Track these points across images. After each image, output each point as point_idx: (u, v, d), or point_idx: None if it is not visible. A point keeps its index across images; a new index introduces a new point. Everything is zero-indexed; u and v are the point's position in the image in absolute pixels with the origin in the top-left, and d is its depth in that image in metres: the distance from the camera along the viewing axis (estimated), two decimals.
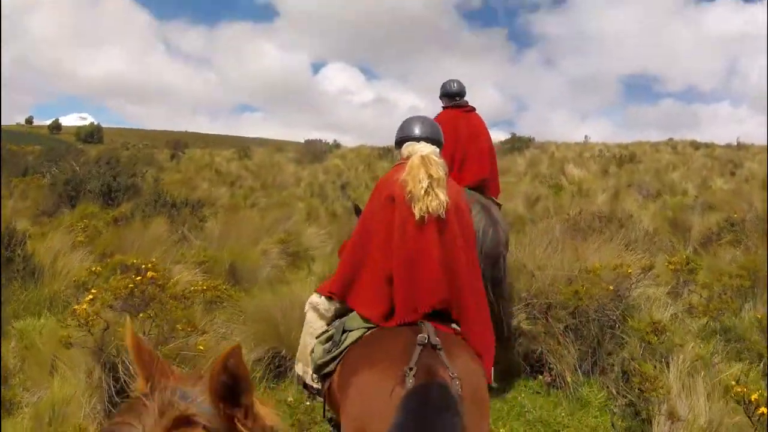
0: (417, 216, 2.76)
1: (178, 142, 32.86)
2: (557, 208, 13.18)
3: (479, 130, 5.54)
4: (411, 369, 2.29)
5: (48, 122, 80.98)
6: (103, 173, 14.07)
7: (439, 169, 2.89)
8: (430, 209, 2.75)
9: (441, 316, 2.80)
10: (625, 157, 23.61)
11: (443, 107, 5.67)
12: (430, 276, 2.77)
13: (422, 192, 2.76)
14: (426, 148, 3.04)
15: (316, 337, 3.03)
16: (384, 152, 25.05)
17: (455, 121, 5.31)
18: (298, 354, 3.28)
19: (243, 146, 32.99)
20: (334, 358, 2.81)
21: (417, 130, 3.16)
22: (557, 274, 5.71)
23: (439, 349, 2.43)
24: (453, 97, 5.59)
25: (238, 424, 1.17)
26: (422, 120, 3.26)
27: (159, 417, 1.10)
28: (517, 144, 28.79)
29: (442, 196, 2.79)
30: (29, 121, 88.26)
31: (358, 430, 2.39)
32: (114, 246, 8.58)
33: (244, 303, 6.33)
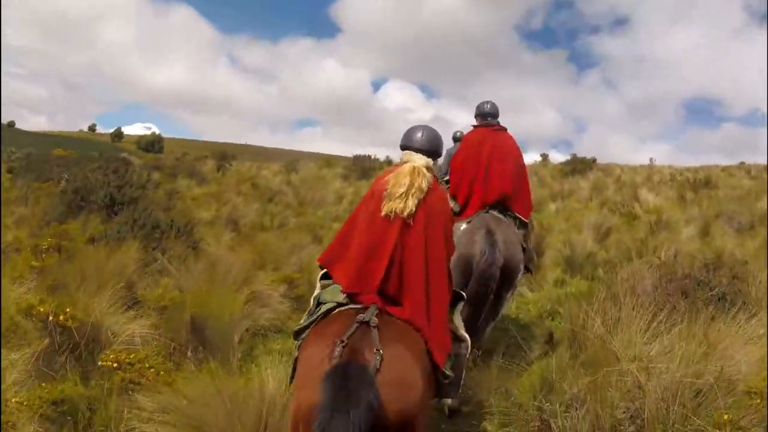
0: (383, 212, 3.16)
1: (225, 154, 31.25)
2: (635, 244, 10.83)
3: (506, 148, 5.67)
4: (342, 342, 2.62)
5: (110, 130, 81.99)
6: (106, 183, 12.18)
7: (423, 180, 3.24)
8: (395, 210, 3.14)
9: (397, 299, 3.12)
10: (700, 182, 21.13)
11: (474, 126, 5.92)
12: (379, 264, 3.10)
13: (396, 195, 3.17)
14: (420, 160, 3.38)
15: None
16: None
17: (483, 139, 5.63)
18: None
19: (293, 160, 31.15)
20: (308, 326, 3.15)
21: (416, 142, 3.46)
22: (680, 382, 3.36)
23: (374, 327, 2.75)
24: (485, 116, 5.82)
25: None
26: (423, 130, 3.51)
27: None
28: (579, 166, 26.87)
29: (411, 204, 3.15)
30: (92, 128, 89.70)
31: (297, 390, 2.79)
32: (67, 276, 6.51)
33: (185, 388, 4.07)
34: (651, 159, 33.26)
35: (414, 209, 3.15)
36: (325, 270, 3.45)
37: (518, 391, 4.28)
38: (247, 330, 6.44)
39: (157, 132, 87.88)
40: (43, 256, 7.65)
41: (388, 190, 3.20)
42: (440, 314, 3.18)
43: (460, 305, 3.66)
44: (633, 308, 4.26)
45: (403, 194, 3.15)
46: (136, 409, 3.92)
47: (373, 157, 26.35)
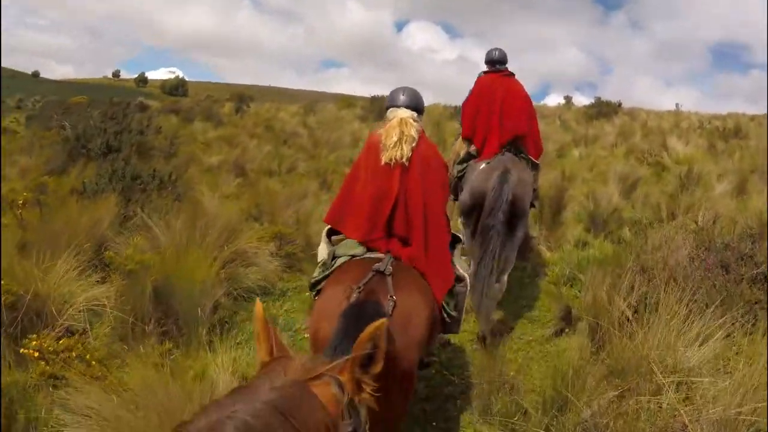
0: (383, 161, 3.36)
1: (243, 96, 30.31)
2: (665, 199, 9.91)
3: (516, 92, 5.86)
4: (358, 288, 2.80)
5: (134, 76, 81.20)
6: (102, 130, 11.41)
7: (411, 129, 3.47)
8: (395, 157, 3.35)
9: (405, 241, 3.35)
10: (729, 131, 19.97)
11: (484, 72, 6.09)
12: (387, 206, 3.33)
13: (391, 144, 3.38)
14: (405, 113, 3.58)
15: (319, 262, 3.53)
16: (456, 111, 21.68)
17: (493, 84, 5.84)
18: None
19: (312, 101, 30.10)
20: (324, 278, 3.27)
21: (400, 100, 3.66)
22: (735, 420, 2.66)
23: (389, 275, 2.93)
24: (494, 63, 6.01)
25: (365, 386, 1.68)
26: (404, 90, 3.73)
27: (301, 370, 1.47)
28: (604, 109, 25.40)
29: (406, 150, 3.38)
30: (116, 74, 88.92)
31: (313, 326, 2.93)
32: (37, 235, 5.83)
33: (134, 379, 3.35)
34: (677, 104, 31.46)
35: (410, 154, 3.38)
36: (329, 227, 3.63)
37: (525, 395, 3.49)
38: (228, 294, 5.71)
39: (182, 76, 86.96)
40: (20, 212, 6.98)
41: (383, 142, 3.42)
42: (440, 252, 3.37)
43: (459, 246, 3.80)
44: (666, 288, 3.41)
45: (397, 142, 3.38)
46: (61, 408, 3.22)
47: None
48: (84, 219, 6.21)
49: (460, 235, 3.95)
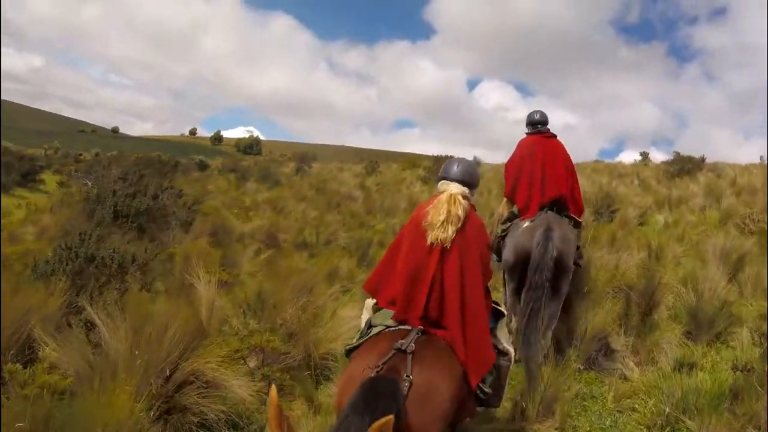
0: (428, 241, 3.29)
1: (305, 155, 29.27)
2: None
3: (557, 153, 5.98)
4: (378, 366, 2.78)
5: (211, 134, 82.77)
6: (112, 193, 10.07)
7: (459, 208, 3.36)
8: (438, 239, 3.26)
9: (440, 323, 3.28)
10: None
11: (526, 133, 6.21)
12: (423, 289, 3.25)
13: (437, 224, 3.28)
14: (456, 189, 3.48)
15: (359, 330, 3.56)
16: None
17: (534, 146, 5.97)
18: None
19: (373, 161, 28.72)
20: (358, 346, 3.29)
21: (453, 173, 3.57)
22: None
23: (409, 353, 2.88)
24: (535, 125, 6.12)
25: None
26: (459, 162, 3.66)
27: None
28: (687, 165, 22.62)
29: (450, 231, 3.28)
30: (192, 132, 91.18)
31: (335, 399, 3.00)
32: None
33: None
34: (761, 157, 28.23)
35: (453, 236, 3.28)
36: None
37: None
38: None
39: (258, 135, 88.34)
40: None
41: (429, 220, 3.33)
42: (478, 335, 3.23)
43: (503, 320, 3.69)
44: None
45: (443, 222, 3.29)
46: None
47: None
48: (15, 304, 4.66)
49: (502, 308, 3.79)
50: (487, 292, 3.52)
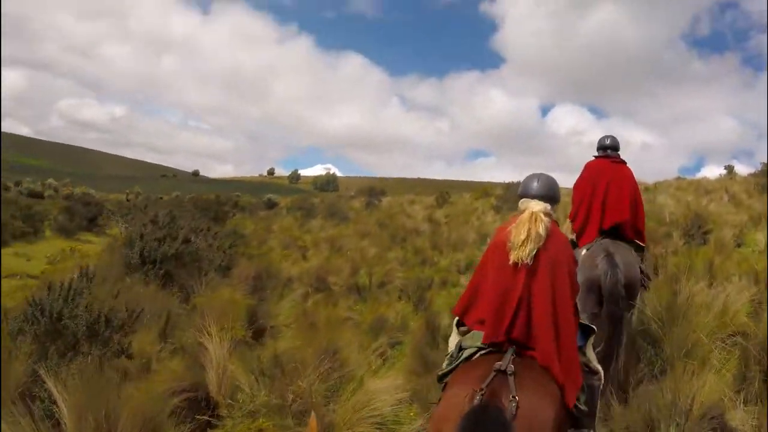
0: (510, 261, 3.13)
1: (374, 190, 28.22)
2: None
3: (623, 179, 5.77)
4: (481, 390, 2.70)
5: (288, 173, 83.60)
6: (141, 236, 9.14)
7: (540, 226, 3.18)
8: (521, 257, 3.10)
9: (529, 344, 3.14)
10: None
11: (594, 156, 6.02)
12: (509, 313, 3.11)
13: (518, 243, 3.13)
14: (537, 206, 3.31)
15: (447, 355, 3.44)
16: None
17: (601, 170, 5.79)
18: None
19: (443, 191, 27.38)
20: (450, 371, 3.22)
21: (533, 189, 3.43)
22: None
23: (510, 375, 2.81)
24: (606, 149, 5.96)
25: None
26: (538, 178, 3.48)
27: None
28: None
29: (530, 248, 3.10)
30: (270, 172, 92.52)
31: (435, 424, 2.85)
32: None
33: None
34: None
35: (534, 253, 3.12)
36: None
37: None
38: None
39: (335, 172, 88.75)
40: None
41: (512, 240, 3.18)
42: (570, 354, 3.12)
43: (592, 338, 3.55)
44: None
45: (524, 241, 3.14)
46: None
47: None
48: None
49: (592, 326, 3.64)
50: (576, 309, 3.35)
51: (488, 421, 2.48)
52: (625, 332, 5.12)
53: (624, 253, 5.28)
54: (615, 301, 4.95)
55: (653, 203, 17.89)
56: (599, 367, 3.47)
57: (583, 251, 5.45)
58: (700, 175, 33.61)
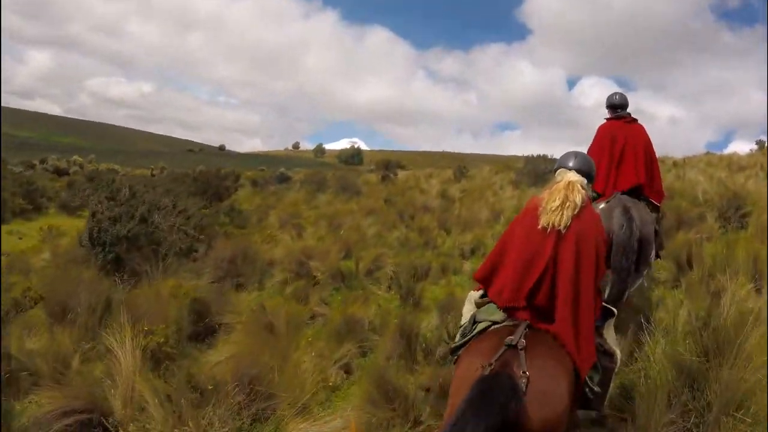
0: (540, 225, 3.09)
1: (390, 163, 26.73)
2: None
3: (638, 138, 5.67)
4: (491, 364, 2.65)
5: (313, 147, 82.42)
6: (93, 215, 7.84)
7: (577, 195, 3.17)
8: (552, 222, 3.06)
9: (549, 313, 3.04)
10: None
11: (606, 118, 5.92)
12: (534, 274, 3.03)
13: (552, 208, 3.10)
14: (574, 177, 3.32)
15: (460, 326, 3.40)
16: None
17: (614, 131, 5.70)
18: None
19: (461, 165, 25.78)
20: (463, 344, 3.15)
21: (571, 162, 3.44)
22: None
23: (521, 349, 2.73)
24: (615, 108, 5.85)
25: None
26: (577, 154, 3.51)
27: None
28: None
29: (566, 216, 3.08)
30: (296, 146, 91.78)
31: (451, 398, 2.79)
32: None
33: None
34: None
35: (569, 222, 3.07)
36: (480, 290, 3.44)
37: None
38: None
39: (361, 146, 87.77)
40: None
41: (544, 205, 3.15)
42: (587, 327, 3.03)
43: (612, 320, 3.44)
44: None
45: (559, 207, 3.10)
46: None
47: (550, 156, 19.90)
48: None
49: (612, 307, 3.46)
50: (598, 290, 3.24)
51: (498, 387, 2.44)
52: (627, 292, 5.05)
53: (641, 210, 5.23)
54: (626, 253, 4.88)
55: (683, 180, 16.14)
56: (616, 350, 3.34)
57: (602, 205, 5.31)
58: (728, 150, 31.30)
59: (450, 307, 6.29)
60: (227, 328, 6.55)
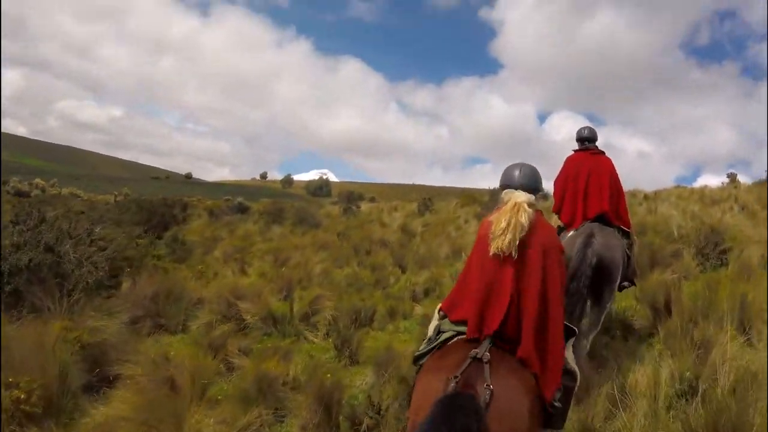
0: (491, 252, 3.02)
1: (352, 195, 25.83)
2: None
3: (603, 169, 5.73)
4: (456, 377, 2.62)
5: (281, 177, 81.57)
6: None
7: (523, 216, 3.07)
8: (501, 247, 2.98)
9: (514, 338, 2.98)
10: None
11: (574, 150, 6.00)
12: (498, 308, 2.97)
13: (499, 233, 3.03)
14: (521, 197, 3.20)
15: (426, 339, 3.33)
16: None
17: (580, 162, 5.79)
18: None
19: (426, 197, 24.98)
20: (428, 353, 3.14)
21: (516, 178, 3.30)
22: None
23: (486, 363, 2.71)
24: (583, 141, 5.93)
25: None
26: (521, 167, 3.36)
27: None
28: None
29: (509, 238, 2.98)
30: (263, 176, 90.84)
31: (412, 414, 2.79)
32: None
33: None
34: None
35: (515, 243, 3.00)
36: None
37: None
38: None
39: (331, 177, 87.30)
40: None
41: (492, 230, 3.09)
42: (555, 353, 3.02)
43: (572, 340, 3.39)
44: None
45: (504, 230, 3.04)
46: None
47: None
48: None
49: (573, 326, 3.41)
50: (563, 308, 3.16)
51: (460, 408, 2.40)
52: (592, 315, 5.08)
53: (607, 237, 5.23)
54: (577, 277, 4.88)
55: (656, 214, 15.41)
56: (576, 369, 3.30)
57: (570, 233, 5.44)
58: (697, 184, 31.01)
59: (388, 362, 5.31)
60: (126, 380, 5.48)
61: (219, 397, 5.09)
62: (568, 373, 3.22)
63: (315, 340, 7.15)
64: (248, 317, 7.61)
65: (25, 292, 6.91)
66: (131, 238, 11.44)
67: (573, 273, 4.86)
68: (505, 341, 2.96)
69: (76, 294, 7.12)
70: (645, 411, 3.54)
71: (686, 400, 3.49)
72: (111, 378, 5.51)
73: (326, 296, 7.96)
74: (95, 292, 7.50)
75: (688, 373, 3.84)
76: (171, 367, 5.34)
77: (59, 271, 7.22)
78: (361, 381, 5.47)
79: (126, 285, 9.15)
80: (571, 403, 3.34)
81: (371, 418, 4.29)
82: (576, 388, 3.34)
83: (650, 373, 4.21)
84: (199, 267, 11.15)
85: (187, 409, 4.60)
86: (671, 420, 3.37)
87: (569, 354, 3.34)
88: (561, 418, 3.15)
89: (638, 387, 4.00)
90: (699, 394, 3.49)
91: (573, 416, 3.79)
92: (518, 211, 3.09)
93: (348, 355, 6.21)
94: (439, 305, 3.42)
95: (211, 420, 4.46)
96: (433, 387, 2.66)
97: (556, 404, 3.00)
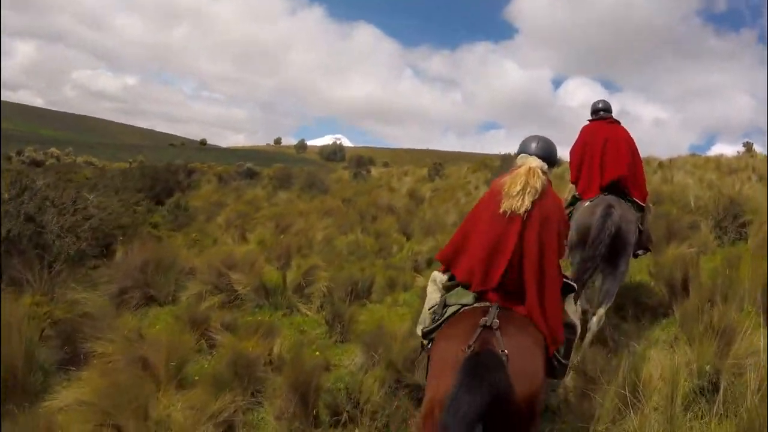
0: (501, 210, 3.10)
1: (362, 159, 25.30)
2: None
3: (618, 136, 5.68)
4: (470, 346, 2.65)
5: (295, 142, 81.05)
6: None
7: (537, 180, 3.17)
8: (514, 208, 3.07)
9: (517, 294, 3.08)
10: None
11: (589, 120, 5.97)
12: (501, 261, 3.06)
13: (513, 193, 3.11)
14: (535, 162, 3.31)
15: (429, 308, 3.36)
16: None
17: (595, 130, 5.77)
18: (420, 318, 3.46)
19: (437, 163, 24.40)
20: (436, 328, 3.17)
21: (533, 148, 3.41)
22: None
23: (496, 329, 2.76)
24: (597, 112, 5.92)
25: None
26: (538, 139, 3.48)
27: None
28: None
29: (527, 201, 3.09)
30: (277, 141, 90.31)
31: (431, 383, 2.78)
32: None
33: None
34: None
35: (530, 207, 3.09)
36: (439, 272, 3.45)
37: None
38: None
39: (345, 142, 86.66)
40: None
41: (506, 190, 3.15)
42: (554, 307, 3.11)
43: (572, 294, 3.50)
44: None
45: (519, 192, 3.11)
46: None
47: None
48: None
49: (572, 282, 3.52)
50: (560, 268, 3.31)
51: (485, 366, 2.43)
52: (608, 283, 5.11)
53: (624, 208, 5.23)
54: (595, 244, 4.91)
55: (671, 183, 14.77)
56: (576, 322, 3.43)
57: (587, 203, 5.40)
58: (711, 152, 29.89)
59: (378, 342, 4.88)
60: (97, 359, 5.11)
61: (196, 378, 4.71)
62: (569, 326, 3.34)
63: (308, 313, 6.74)
64: (240, 288, 7.21)
65: (3, 265, 6.55)
66: (128, 206, 11.05)
67: (592, 240, 4.94)
68: (508, 294, 3.05)
69: (57, 265, 6.75)
70: (659, 412, 3.09)
71: (706, 399, 3.05)
72: (82, 356, 5.15)
73: (322, 266, 7.51)
74: (78, 263, 7.12)
75: (708, 366, 3.38)
76: (145, 345, 4.95)
77: (40, 242, 6.84)
78: (349, 361, 5.06)
79: (120, 254, 8.81)
80: (571, 354, 3.42)
81: (348, 412, 3.88)
82: (575, 341, 3.48)
83: (666, 365, 3.72)
84: (193, 235, 10.76)
85: (156, 393, 4.23)
86: (689, 424, 2.92)
87: (570, 308, 3.45)
88: (564, 368, 3.29)
89: (652, 382, 3.54)
90: (720, 391, 3.04)
91: (576, 416, 3.37)
92: (533, 175, 3.19)
93: (339, 331, 5.80)
94: (438, 258, 3.48)
95: (180, 405, 4.07)
96: (451, 353, 2.69)
97: (562, 360, 3.19)
